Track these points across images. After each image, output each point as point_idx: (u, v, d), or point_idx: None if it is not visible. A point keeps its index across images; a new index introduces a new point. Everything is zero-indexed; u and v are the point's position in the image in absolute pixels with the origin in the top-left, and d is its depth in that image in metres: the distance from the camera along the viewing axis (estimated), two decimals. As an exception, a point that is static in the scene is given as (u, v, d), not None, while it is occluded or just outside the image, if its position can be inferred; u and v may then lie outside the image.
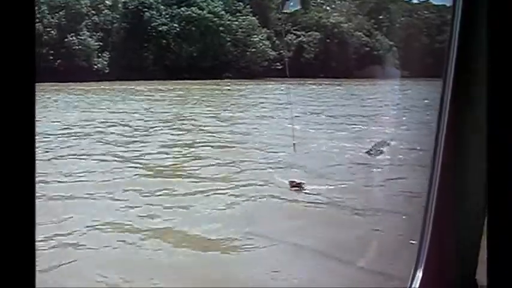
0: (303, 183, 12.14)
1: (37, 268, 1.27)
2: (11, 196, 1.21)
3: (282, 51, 57.54)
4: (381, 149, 15.35)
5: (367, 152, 15.24)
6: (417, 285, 2.12)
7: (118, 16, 56.07)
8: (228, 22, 57.89)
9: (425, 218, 2.10)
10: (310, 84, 44.67)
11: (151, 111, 27.82)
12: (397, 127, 19.06)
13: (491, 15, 1.57)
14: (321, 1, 63.03)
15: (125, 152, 16.44)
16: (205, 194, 11.70)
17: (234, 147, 17.39)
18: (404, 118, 21.53)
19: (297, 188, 12.03)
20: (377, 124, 21.61)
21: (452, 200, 2.04)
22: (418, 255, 2.14)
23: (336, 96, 36.86)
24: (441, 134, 1.98)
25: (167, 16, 56.43)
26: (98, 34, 54.08)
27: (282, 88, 34.36)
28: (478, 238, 1.99)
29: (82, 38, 52.10)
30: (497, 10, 1.52)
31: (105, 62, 53.52)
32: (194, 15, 56.33)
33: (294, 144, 14.21)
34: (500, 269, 1.52)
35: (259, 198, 11.47)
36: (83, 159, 15.28)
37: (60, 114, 25.29)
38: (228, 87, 44.39)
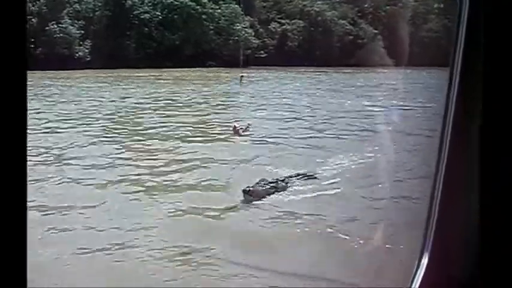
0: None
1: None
2: (2, 189, 1.22)
3: (265, 40, 57.26)
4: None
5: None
6: (422, 272, 2.15)
7: (100, 4, 55.45)
8: (211, 10, 57.49)
9: (431, 206, 2.13)
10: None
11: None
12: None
13: (487, 12, 1.58)
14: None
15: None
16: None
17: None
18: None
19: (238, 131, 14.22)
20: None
21: (458, 191, 2.07)
22: (423, 242, 2.17)
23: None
24: (447, 128, 1.99)
25: (149, 4, 55.95)
26: (80, 22, 53.44)
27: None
28: None
29: (63, 26, 51.43)
30: (494, 7, 1.53)
31: (87, 50, 52.94)
32: (177, 3, 55.87)
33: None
34: (493, 260, 1.55)
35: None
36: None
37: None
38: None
